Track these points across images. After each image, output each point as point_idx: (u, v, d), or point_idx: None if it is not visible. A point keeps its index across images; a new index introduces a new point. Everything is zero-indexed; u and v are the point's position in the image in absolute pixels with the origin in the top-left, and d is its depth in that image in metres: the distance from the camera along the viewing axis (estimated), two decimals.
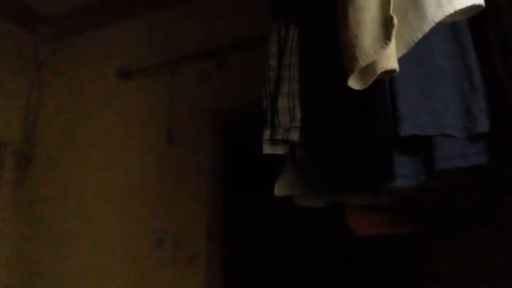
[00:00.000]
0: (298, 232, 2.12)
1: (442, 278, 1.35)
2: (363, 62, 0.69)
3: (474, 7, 0.80)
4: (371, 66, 0.72)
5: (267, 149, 1.34)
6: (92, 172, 2.65)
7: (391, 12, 0.71)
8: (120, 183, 2.55)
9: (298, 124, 1.31)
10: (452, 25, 1.12)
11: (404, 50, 0.83)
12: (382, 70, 0.72)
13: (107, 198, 2.54)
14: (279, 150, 1.34)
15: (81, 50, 2.97)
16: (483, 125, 1.04)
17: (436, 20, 0.80)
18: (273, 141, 1.34)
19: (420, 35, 0.81)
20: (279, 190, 1.38)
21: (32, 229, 2.67)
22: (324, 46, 1.24)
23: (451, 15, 0.80)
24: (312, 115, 1.29)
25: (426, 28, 0.81)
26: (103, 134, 2.70)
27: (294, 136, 1.30)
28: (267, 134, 1.35)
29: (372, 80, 0.75)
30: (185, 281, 2.19)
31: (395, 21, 0.70)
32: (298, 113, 1.32)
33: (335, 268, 1.94)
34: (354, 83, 0.76)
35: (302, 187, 1.33)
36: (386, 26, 0.70)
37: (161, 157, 2.50)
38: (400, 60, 1.08)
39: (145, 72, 2.69)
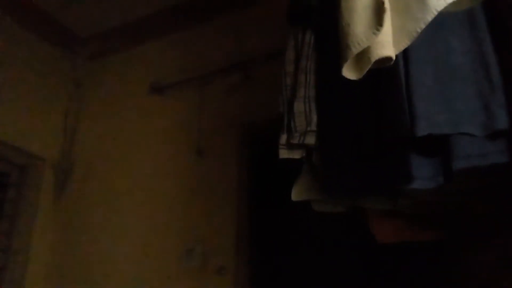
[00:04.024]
0: (326, 243, 2.08)
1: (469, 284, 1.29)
2: (355, 49, 0.68)
3: None
4: (365, 55, 0.71)
5: (284, 154, 1.33)
6: (126, 185, 2.72)
7: None
8: (152, 195, 2.60)
9: (314, 128, 1.29)
10: (470, 21, 1.09)
11: (407, 42, 0.82)
12: (377, 57, 0.70)
13: (140, 209, 2.60)
14: (296, 155, 1.33)
15: (116, 69, 3.08)
16: (502, 121, 0.99)
17: (439, 9, 0.78)
18: (290, 146, 1.33)
19: (423, 26, 0.80)
20: (296, 195, 1.36)
21: (69, 242, 2.75)
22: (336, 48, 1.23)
23: (454, 4, 0.78)
24: (328, 118, 1.28)
25: (429, 18, 0.79)
26: (137, 149, 2.78)
27: (310, 140, 1.29)
28: (283, 138, 1.34)
29: (367, 68, 0.73)
30: None
31: (387, 5, 0.69)
32: (314, 117, 1.30)
33: (363, 277, 1.89)
34: (349, 73, 0.75)
35: (319, 192, 1.31)
36: (378, 12, 0.69)
37: (191, 170, 2.53)
38: (417, 59, 1.07)
39: (175, 87, 2.76)
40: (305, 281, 2.03)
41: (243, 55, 2.57)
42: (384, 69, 0.92)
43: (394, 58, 0.72)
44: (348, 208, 1.37)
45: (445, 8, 0.77)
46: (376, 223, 1.38)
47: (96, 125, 3.00)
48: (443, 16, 0.93)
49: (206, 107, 2.61)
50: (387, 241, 1.38)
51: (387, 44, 0.71)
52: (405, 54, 1.04)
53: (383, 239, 1.38)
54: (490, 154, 1.02)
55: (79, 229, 2.75)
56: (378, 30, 0.69)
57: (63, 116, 3.01)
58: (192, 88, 2.68)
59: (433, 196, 1.22)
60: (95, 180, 2.84)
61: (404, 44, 0.80)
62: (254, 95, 2.50)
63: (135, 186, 2.69)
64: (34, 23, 2.89)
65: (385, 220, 1.38)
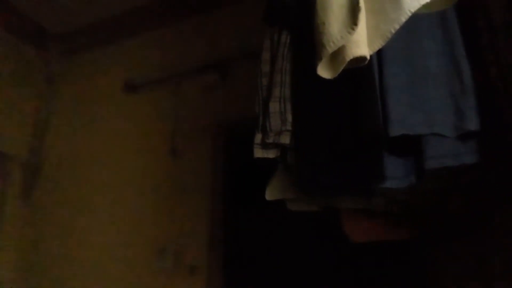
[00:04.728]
0: (299, 243, 2.08)
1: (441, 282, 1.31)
2: (330, 48, 0.68)
3: None
4: (340, 54, 0.71)
5: (258, 153, 1.33)
6: (97, 184, 2.68)
7: None
8: (124, 194, 2.57)
9: (289, 127, 1.29)
10: (442, 25, 1.11)
11: (381, 43, 0.82)
12: (351, 57, 0.71)
13: (111, 209, 2.56)
14: (270, 154, 1.33)
15: (90, 66, 3.02)
16: (473, 123, 1.02)
17: (413, 10, 0.79)
18: (265, 145, 1.33)
19: (397, 26, 0.80)
20: (270, 194, 1.36)
21: (37, 241, 2.69)
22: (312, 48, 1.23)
23: (428, 5, 0.79)
24: (303, 118, 1.28)
25: (403, 19, 0.79)
26: (109, 147, 2.73)
27: (285, 139, 1.29)
28: (258, 138, 1.34)
29: (341, 68, 0.74)
30: None
31: (361, 4, 0.69)
32: (289, 117, 1.30)
33: (337, 277, 1.90)
34: (323, 72, 0.75)
35: (293, 191, 1.31)
36: (353, 11, 0.69)
37: (165, 169, 2.51)
38: (391, 60, 1.09)
39: (150, 86, 2.72)
40: (281, 281, 2.03)
41: (220, 54, 2.56)
42: (359, 69, 0.93)
43: (368, 57, 0.73)
44: (322, 207, 1.38)
45: (419, 9, 0.78)
46: (350, 223, 1.39)
47: (68, 123, 2.94)
48: (417, 18, 0.94)
49: (182, 106, 2.59)
50: (360, 240, 1.40)
51: (361, 43, 0.71)
52: (379, 55, 1.05)
53: (356, 238, 1.39)
54: (461, 155, 1.03)
55: (48, 229, 2.69)
56: (353, 29, 0.69)
57: (34, 113, 2.94)
58: (167, 87, 2.65)
59: (406, 195, 1.23)
60: (65, 179, 2.79)
61: (379, 44, 0.80)
62: (230, 95, 2.50)
63: (107, 185, 2.64)
64: (5, 20, 2.81)
65: (358, 220, 1.39)
